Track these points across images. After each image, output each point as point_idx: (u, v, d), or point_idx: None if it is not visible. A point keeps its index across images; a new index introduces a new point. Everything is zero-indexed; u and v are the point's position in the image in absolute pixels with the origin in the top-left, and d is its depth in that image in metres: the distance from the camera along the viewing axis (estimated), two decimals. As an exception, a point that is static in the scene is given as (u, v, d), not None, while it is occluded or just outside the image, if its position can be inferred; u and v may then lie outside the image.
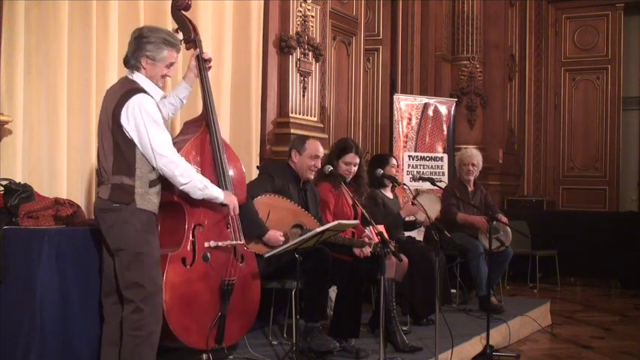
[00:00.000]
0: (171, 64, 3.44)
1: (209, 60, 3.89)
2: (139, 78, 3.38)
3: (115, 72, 4.43)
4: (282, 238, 4.23)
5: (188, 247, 3.63)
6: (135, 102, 3.25)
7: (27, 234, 3.46)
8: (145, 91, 3.32)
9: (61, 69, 4.08)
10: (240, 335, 4.01)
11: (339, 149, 4.92)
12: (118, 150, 3.28)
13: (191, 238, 3.64)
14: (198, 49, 3.82)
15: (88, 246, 3.55)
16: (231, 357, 4.07)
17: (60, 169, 4.10)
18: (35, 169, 4.01)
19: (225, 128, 5.35)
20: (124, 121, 3.25)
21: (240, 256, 3.87)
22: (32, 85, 3.99)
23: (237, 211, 3.72)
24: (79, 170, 4.28)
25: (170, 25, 4.07)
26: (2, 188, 3.64)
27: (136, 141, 3.26)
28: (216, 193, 3.55)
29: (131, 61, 3.39)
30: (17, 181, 3.73)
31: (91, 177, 4.29)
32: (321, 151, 4.60)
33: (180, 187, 3.41)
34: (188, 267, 3.61)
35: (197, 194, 3.46)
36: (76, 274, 3.50)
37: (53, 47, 4.05)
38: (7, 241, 3.43)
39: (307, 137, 4.81)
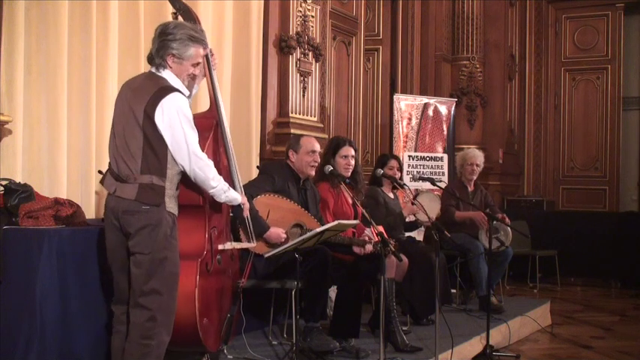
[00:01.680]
0: (198, 63, 3.31)
1: (213, 57, 3.75)
2: (167, 75, 3.23)
3: (115, 72, 4.43)
4: (284, 235, 4.23)
5: (209, 251, 3.52)
6: (171, 101, 3.12)
7: (27, 234, 3.46)
8: (179, 90, 3.20)
9: (61, 69, 4.08)
10: (235, 333, 4.01)
11: (332, 146, 4.93)
12: (149, 149, 3.12)
13: (209, 241, 3.53)
14: (208, 48, 3.61)
15: (88, 246, 3.55)
16: (230, 357, 4.07)
17: (60, 169, 4.10)
18: (35, 169, 4.01)
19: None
20: (158, 119, 3.11)
21: (232, 255, 3.84)
22: (32, 85, 3.98)
23: (247, 214, 3.64)
24: (79, 170, 4.28)
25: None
26: (2, 188, 3.64)
27: (168, 141, 3.13)
28: (235, 194, 3.46)
29: (156, 60, 3.22)
30: (17, 181, 3.72)
31: (91, 177, 4.29)
32: (317, 146, 4.60)
33: (210, 191, 3.30)
34: (209, 271, 3.52)
35: (222, 197, 3.37)
36: (76, 274, 3.49)
37: (53, 47, 4.05)
38: (7, 241, 3.42)
39: (301, 135, 4.83)
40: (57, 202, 3.69)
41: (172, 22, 3.33)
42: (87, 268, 3.54)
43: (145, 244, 3.12)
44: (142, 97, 3.16)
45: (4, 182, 3.65)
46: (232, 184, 3.59)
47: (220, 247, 3.60)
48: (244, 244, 3.76)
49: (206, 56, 3.63)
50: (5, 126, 3.80)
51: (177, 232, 3.25)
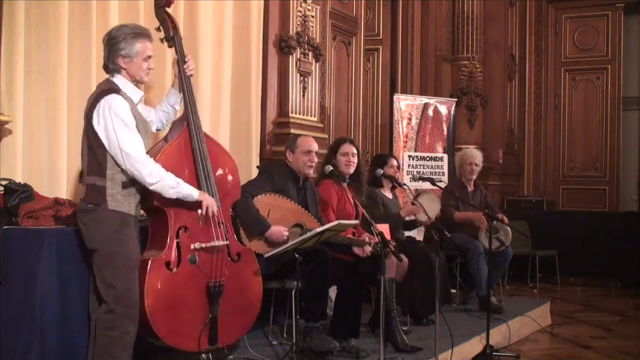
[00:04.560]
0: (149, 56, 3.41)
1: (188, 63, 3.76)
2: (117, 79, 3.39)
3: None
4: (286, 233, 4.23)
5: (172, 251, 3.57)
6: (105, 103, 3.27)
7: (27, 234, 3.47)
8: (118, 92, 3.31)
9: (61, 69, 4.08)
10: (240, 334, 3.99)
11: (334, 146, 4.99)
12: (91, 151, 3.32)
13: (175, 240, 3.58)
14: (178, 57, 3.73)
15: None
16: (231, 357, 4.07)
17: (60, 169, 4.10)
18: (35, 169, 4.01)
19: (225, 128, 5.36)
20: (94, 122, 3.27)
21: (235, 254, 3.83)
22: (32, 85, 3.99)
23: (211, 211, 3.58)
24: (78, 170, 4.27)
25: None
26: (2, 188, 3.64)
27: (105, 142, 3.27)
28: (188, 190, 3.46)
29: (110, 66, 3.39)
30: (17, 181, 3.73)
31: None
32: (315, 146, 4.60)
33: (151, 188, 3.36)
34: (173, 270, 3.55)
35: (169, 193, 3.40)
36: (76, 274, 3.50)
37: (53, 47, 4.05)
38: (7, 241, 3.42)
39: (299, 135, 4.83)
40: (57, 202, 3.69)
41: (115, 26, 3.48)
42: (87, 268, 3.52)
43: (93, 240, 3.32)
44: (88, 103, 3.35)
45: (4, 182, 3.66)
46: (197, 187, 3.59)
47: (192, 246, 3.62)
48: (212, 243, 3.68)
49: (177, 62, 3.70)
50: (5, 126, 3.81)
51: (133, 229, 3.38)
